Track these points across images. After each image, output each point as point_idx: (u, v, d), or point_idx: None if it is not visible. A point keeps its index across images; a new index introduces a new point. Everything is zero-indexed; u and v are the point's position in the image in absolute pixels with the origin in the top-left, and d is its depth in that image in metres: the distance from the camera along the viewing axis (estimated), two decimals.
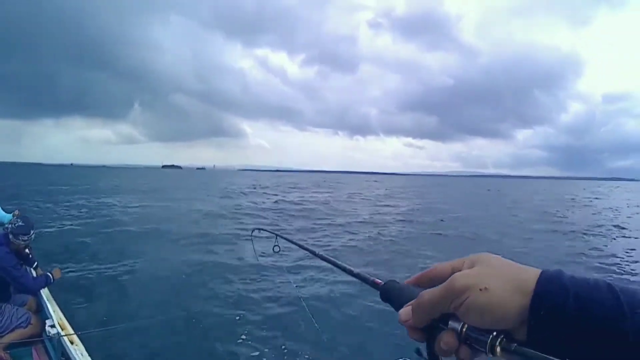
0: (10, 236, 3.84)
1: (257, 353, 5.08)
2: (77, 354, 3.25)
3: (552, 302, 0.46)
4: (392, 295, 0.58)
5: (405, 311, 0.51)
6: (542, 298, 0.46)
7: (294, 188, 47.56)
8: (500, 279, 0.48)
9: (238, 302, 6.79)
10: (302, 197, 34.25)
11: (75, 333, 3.58)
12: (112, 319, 5.66)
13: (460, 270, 0.50)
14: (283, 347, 5.26)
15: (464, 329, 0.48)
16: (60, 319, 3.78)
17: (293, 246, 1.39)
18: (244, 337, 5.51)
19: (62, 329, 3.59)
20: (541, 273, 0.47)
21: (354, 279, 0.74)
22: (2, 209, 5.31)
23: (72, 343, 3.41)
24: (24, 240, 3.93)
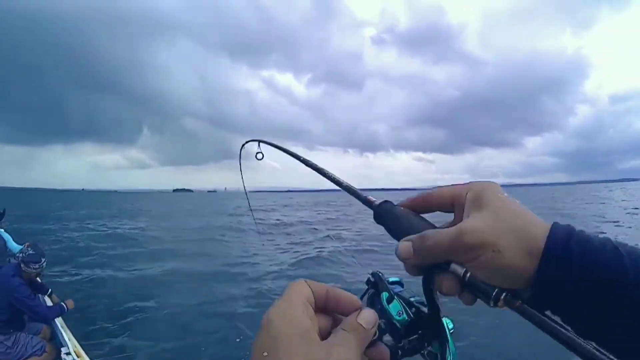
0: (22, 265, 3.88)
1: None
2: None
3: (557, 270, 0.43)
4: (388, 218, 0.54)
5: (405, 247, 0.48)
6: (548, 264, 0.43)
7: (297, 210, 47.21)
8: (513, 238, 0.44)
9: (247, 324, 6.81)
10: (289, 216, 34.64)
11: None
12: (126, 347, 5.72)
13: (462, 200, 0.49)
14: None
15: (468, 276, 0.45)
16: (75, 346, 3.81)
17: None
18: None
19: (78, 357, 3.62)
20: (550, 231, 0.44)
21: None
22: (13, 240, 5.39)
23: None
24: (35, 269, 3.95)
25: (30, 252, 3.97)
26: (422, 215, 0.53)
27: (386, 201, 0.56)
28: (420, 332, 0.58)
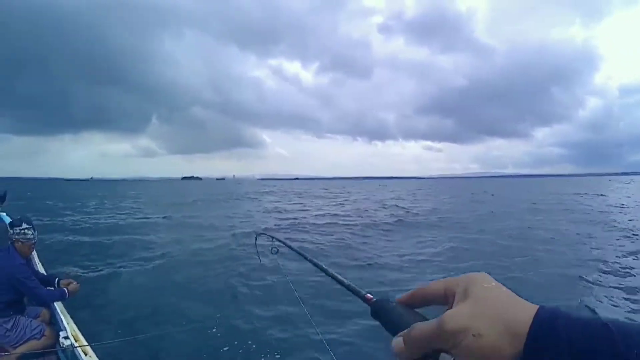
0: (10, 233, 3.87)
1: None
2: None
3: (545, 350, 0.44)
4: (382, 314, 0.57)
5: (398, 343, 0.51)
6: (535, 345, 0.45)
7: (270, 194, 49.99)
8: (493, 323, 0.46)
9: (249, 305, 7.02)
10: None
11: (89, 344, 3.56)
12: (126, 330, 5.73)
13: (453, 292, 0.49)
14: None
15: None
16: (73, 330, 3.78)
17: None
18: (261, 344, 5.53)
19: (76, 341, 3.59)
20: (536, 314, 0.46)
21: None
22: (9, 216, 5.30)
23: (85, 354, 3.40)
24: (17, 234, 3.90)
25: (16, 218, 4.05)
26: (417, 310, 0.55)
27: (381, 299, 0.58)
28: None
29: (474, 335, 0.46)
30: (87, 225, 17.57)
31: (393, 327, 0.54)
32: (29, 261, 4.24)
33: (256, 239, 2.30)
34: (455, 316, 0.47)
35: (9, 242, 3.93)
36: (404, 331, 0.51)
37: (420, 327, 0.49)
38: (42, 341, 3.82)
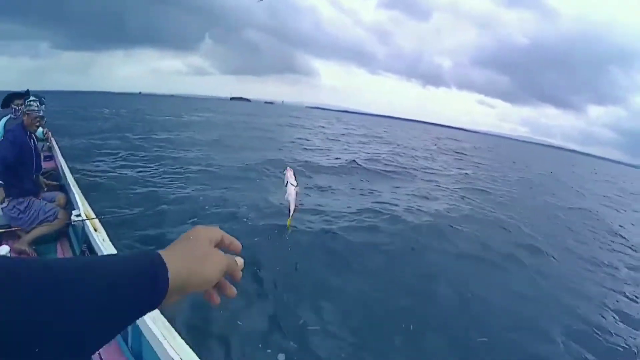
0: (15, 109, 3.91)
1: None
2: (99, 240, 3.15)
3: None
4: None
5: None
6: None
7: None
8: None
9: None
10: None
11: (97, 217, 3.51)
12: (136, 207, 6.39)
13: None
14: None
15: None
16: (87, 210, 3.70)
17: None
18: None
19: (87, 218, 3.50)
20: None
21: None
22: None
23: (95, 230, 3.33)
24: (25, 106, 3.90)
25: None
26: None
27: None
28: None
29: None
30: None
31: None
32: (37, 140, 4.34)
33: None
34: None
35: (21, 120, 3.95)
36: None
37: None
38: (55, 223, 3.84)
